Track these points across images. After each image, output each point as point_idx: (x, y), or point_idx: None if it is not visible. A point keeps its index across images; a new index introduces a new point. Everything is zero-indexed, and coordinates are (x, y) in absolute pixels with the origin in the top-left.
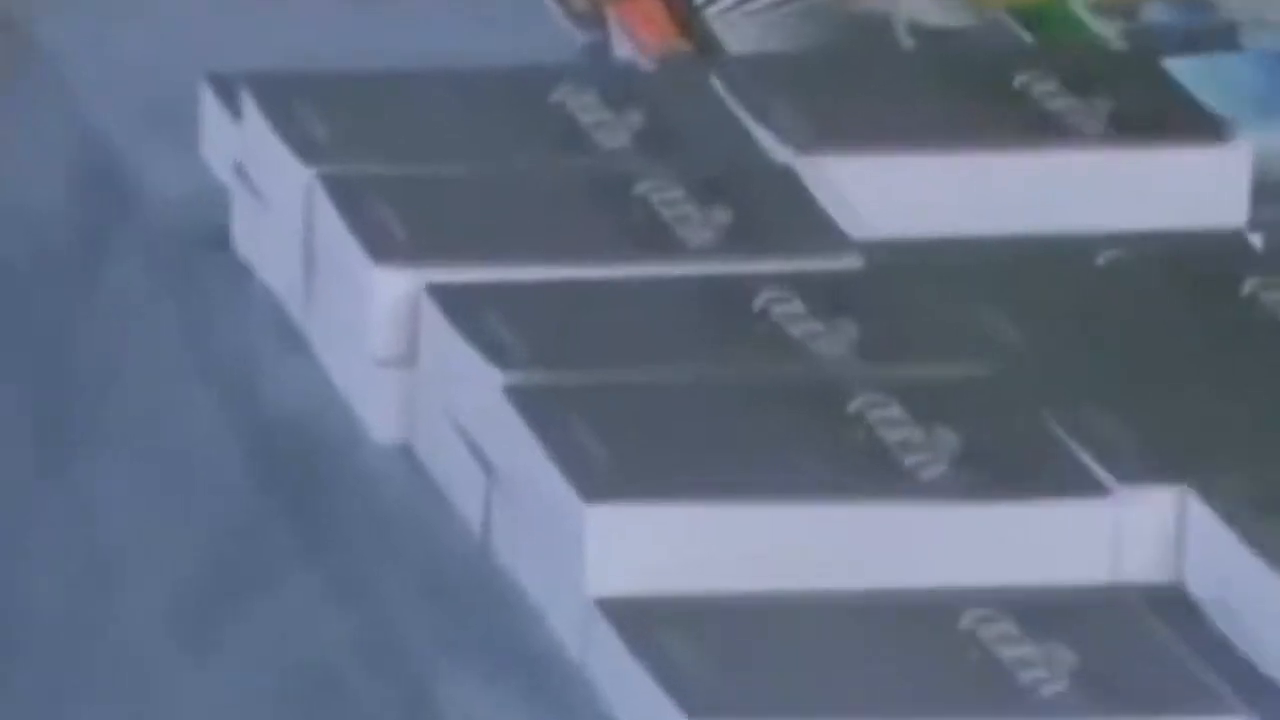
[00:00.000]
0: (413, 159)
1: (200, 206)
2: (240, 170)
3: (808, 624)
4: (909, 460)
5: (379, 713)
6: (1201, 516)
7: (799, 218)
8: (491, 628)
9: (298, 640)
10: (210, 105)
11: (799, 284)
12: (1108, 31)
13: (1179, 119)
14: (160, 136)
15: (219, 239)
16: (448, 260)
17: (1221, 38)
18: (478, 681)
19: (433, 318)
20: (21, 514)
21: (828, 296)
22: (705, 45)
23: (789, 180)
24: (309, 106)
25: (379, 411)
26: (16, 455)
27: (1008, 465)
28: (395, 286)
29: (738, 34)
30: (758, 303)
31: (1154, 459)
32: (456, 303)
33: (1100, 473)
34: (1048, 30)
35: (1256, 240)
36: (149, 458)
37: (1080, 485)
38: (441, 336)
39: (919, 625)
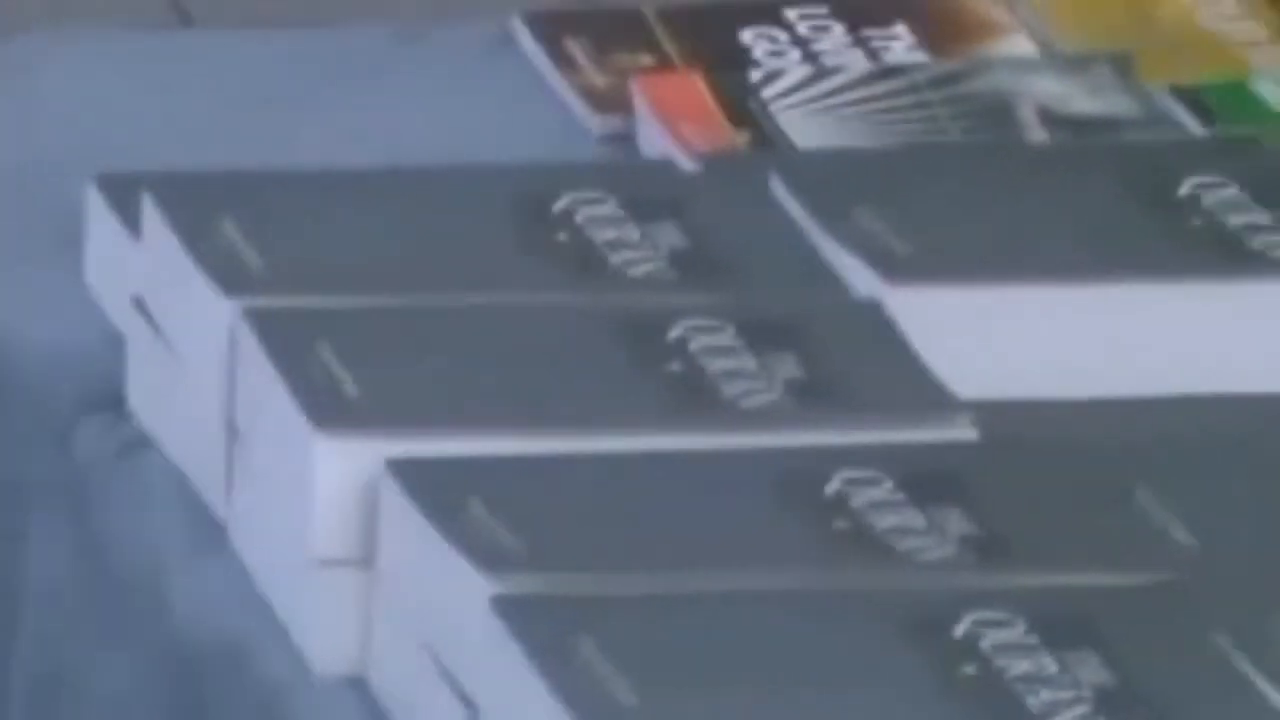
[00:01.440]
0: (370, 290)
1: (82, 355)
2: (139, 305)
3: None
4: (1038, 701)
5: None
6: None
7: (888, 371)
8: None
9: None
10: (99, 217)
11: (889, 461)
12: None
13: None
14: (29, 260)
15: (108, 399)
16: (415, 428)
17: None
18: None
19: (396, 505)
20: None
21: (928, 478)
22: (764, 138)
23: (875, 320)
24: (235, 220)
25: (323, 632)
26: None
27: (1173, 708)
28: (346, 462)
29: (808, 123)
30: (833, 486)
31: None
32: (427, 484)
33: None
34: (1227, 120)
35: None
36: (16, 707)
37: None
38: (407, 530)
39: None
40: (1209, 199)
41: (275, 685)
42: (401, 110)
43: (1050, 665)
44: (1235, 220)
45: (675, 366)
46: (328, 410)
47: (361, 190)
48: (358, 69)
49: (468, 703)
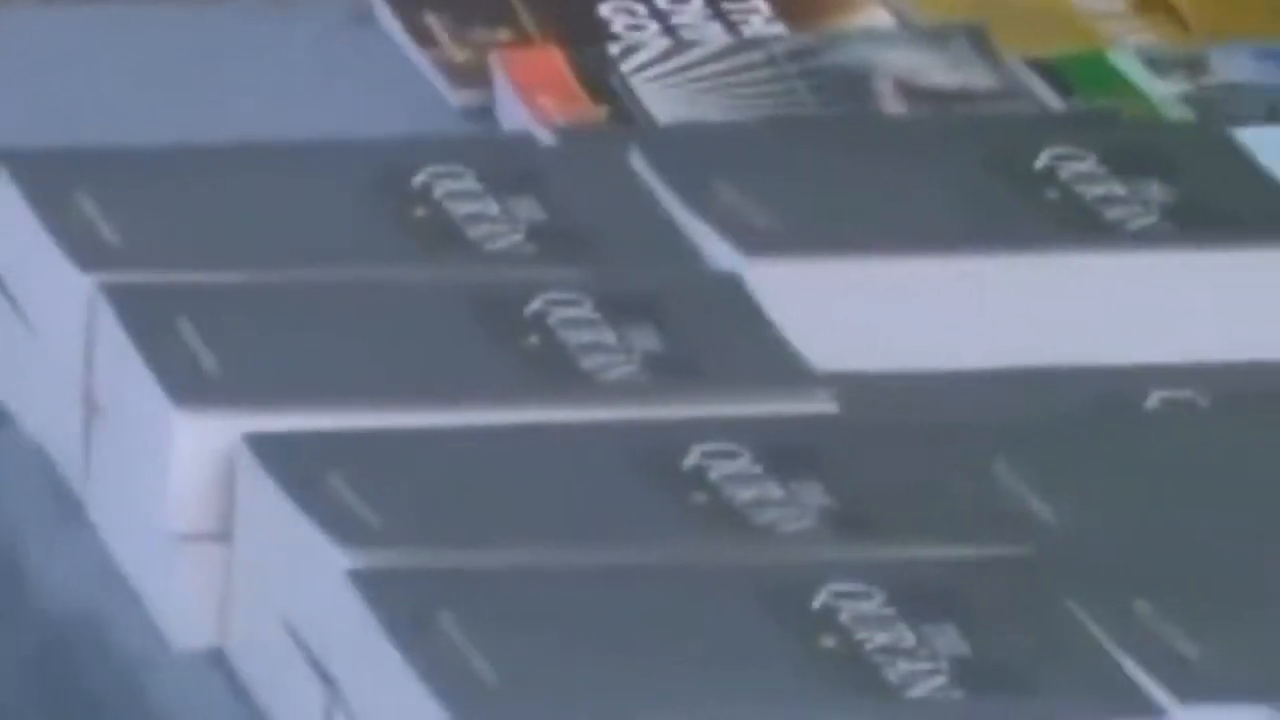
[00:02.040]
0: (229, 265)
1: None
2: None
3: None
4: (896, 672)
5: None
6: None
7: (748, 345)
8: None
9: None
10: None
11: (748, 434)
12: (1166, 93)
13: (1261, 211)
14: None
15: None
16: (273, 403)
17: None
18: None
19: (253, 479)
20: None
21: (786, 452)
22: (623, 112)
23: (735, 294)
24: (92, 196)
25: (180, 606)
26: None
27: (1029, 678)
28: (204, 438)
29: (668, 97)
30: (691, 459)
31: (1225, 673)
32: (285, 459)
33: (1154, 689)
34: (1085, 92)
35: None
36: None
37: (1127, 706)
38: (265, 504)
39: None
40: (1066, 171)
41: (134, 660)
42: (261, 86)
43: (908, 637)
44: (1092, 192)
45: (534, 340)
46: (186, 386)
47: (220, 165)
48: (217, 45)
49: (326, 677)
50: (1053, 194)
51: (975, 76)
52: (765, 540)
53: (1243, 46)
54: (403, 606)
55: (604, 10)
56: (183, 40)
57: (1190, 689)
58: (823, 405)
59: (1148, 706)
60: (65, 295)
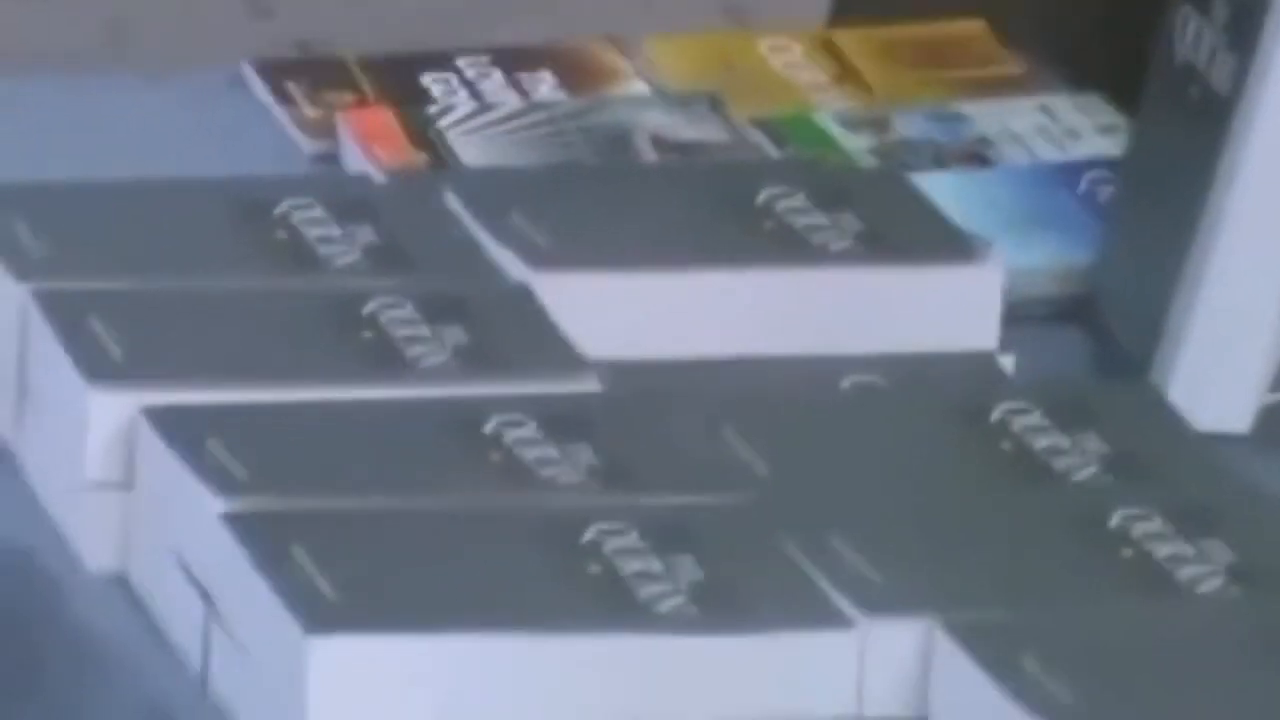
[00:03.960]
0: (132, 274)
1: None
2: None
3: None
4: (646, 592)
5: None
6: (946, 650)
7: (534, 338)
8: None
9: None
10: None
11: (533, 407)
12: (857, 146)
13: (929, 237)
14: None
15: None
16: (166, 382)
17: (973, 153)
18: None
19: (149, 441)
20: None
21: (563, 421)
22: (440, 158)
23: (524, 299)
24: (21, 218)
25: (93, 539)
26: None
27: (749, 597)
28: (110, 409)
29: (474, 147)
30: (490, 427)
31: (900, 591)
32: (174, 426)
33: (845, 605)
34: (795, 144)
35: (1007, 364)
36: None
37: (823, 618)
38: (158, 461)
39: None
40: (780, 205)
41: (56, 581)
42: (157, 136)
43: (656, 565)
44: (801, 222)
45: (368, 334)
46: (98, 369)
47: (124, 195)
48: (121, 104)
49: (205, 596)
50: (769, 224)
51: (712, 133)
52: (546, 490)
53: (916, 110)
54: (263, 541)
55: (425, 80)
56: (95, 101)
57: (873, 604)
58: (591, 385)
59: (840, 619)
60: (4, 300)
